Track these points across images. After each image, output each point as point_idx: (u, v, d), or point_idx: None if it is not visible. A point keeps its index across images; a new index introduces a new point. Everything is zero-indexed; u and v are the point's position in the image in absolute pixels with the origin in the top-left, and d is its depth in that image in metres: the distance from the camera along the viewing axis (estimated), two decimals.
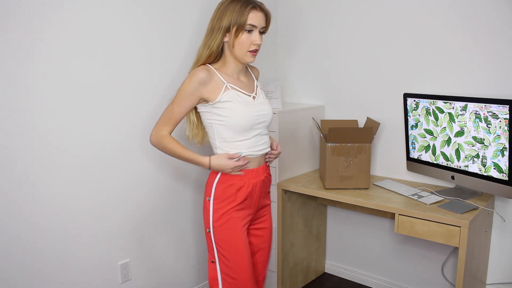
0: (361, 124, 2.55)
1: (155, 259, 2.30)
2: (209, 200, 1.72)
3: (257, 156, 1.75)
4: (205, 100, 1.68)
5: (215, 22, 1.65)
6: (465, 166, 2.06)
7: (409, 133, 2.30)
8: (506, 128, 1.85)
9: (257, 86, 1.80)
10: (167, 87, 2.19)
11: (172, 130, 1.72)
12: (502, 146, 1.88)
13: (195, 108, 1.74)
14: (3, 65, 1.64)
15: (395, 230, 2.03)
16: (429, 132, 2.19)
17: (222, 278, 1.73)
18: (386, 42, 2.42)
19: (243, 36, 1.63)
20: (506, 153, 1.87)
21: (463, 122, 2.02)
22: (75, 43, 1.84)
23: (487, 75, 2.10)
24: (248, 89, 1.74)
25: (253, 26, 1.63)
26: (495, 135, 1.90)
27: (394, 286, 2.63)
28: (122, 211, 2.11)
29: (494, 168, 1.94)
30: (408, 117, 2.28)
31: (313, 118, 2.63)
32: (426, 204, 2.02)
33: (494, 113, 1.88)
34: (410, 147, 2.32)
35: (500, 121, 1.86)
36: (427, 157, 2.24)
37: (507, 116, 1.83)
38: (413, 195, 2.14)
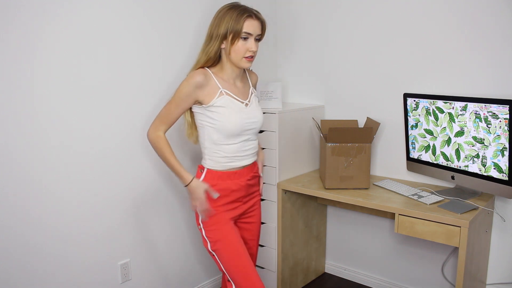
0: (361, 124, 2.55)
1: (155, 259, 2.30)
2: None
3: (243, 159, 1.81)
4: (199, 102, 1.73)
5: (213, 28, 1.72)
6: (465, 166, 2.06)
7: (409, 133, 2.30)
8: (506, 128, 1.85)
9: (251, 93, 1.85)
10: (167, 87, 2.20)
11: (168, 129, 1.78)
12: (502, 146, 1.88)
13: (190, 108, 1.79)
14: (3, 65, 1.65)
15: (395, 230, 2.03)
16: (429, 132, 2.19)
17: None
18: (386, 42, 2.42)
19: (239, 43, 1.68)
20: (506, 153, 1.87)
21: (463, 122, 2.02)
22: (75, 43, 1.84)
23: (487, 75, 2.10)
24: (242, 96, 1.80)
25: (249, 34, 1.68)
26: (495, 135, 1.90)
27: (394, 286, 2.63)
28: (122, 211, 2.11)
29: (494, 168, 1.94)
30: (408, 117, 2.28)
31: (313, 118, 2.63)
32: (426, 204, 2.02)
33: (494, 113, 1.88)
34: (410, 147, 2.32)
35: (500, 121, 1.86)
36: (427, 157, 2.24)
37: (507, 116, 1.83)
38: (413, 195, 2.14)
